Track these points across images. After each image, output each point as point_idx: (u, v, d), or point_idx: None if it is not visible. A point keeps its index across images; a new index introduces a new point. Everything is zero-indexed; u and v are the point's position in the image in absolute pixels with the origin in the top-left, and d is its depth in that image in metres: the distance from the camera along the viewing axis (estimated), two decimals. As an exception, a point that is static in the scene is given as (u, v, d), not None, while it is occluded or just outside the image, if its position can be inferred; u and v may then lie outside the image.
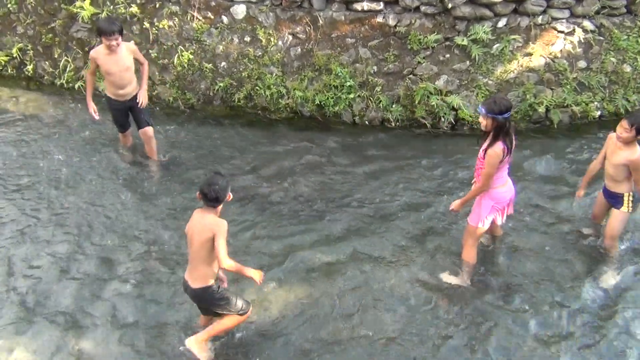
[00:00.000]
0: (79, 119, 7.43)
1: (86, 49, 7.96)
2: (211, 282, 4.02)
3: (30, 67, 8.34)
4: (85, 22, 7.86)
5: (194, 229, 3.93)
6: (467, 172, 6.23)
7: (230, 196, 3.96)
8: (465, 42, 7.19)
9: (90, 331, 4.50)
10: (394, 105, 7.30)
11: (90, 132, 7.15)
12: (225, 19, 7.60)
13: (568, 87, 7.31)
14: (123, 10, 7.69)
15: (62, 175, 6.34)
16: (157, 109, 7.62)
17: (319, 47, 7.45)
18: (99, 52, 5.91)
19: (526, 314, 4.64)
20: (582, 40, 7.44)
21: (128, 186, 6.19)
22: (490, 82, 7.28)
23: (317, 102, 7.31)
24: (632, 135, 4.54)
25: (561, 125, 7.23)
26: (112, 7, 7.76)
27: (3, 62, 8.44)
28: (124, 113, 6.28)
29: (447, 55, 7.31)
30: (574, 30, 7.43)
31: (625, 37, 7.51)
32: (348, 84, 7.28)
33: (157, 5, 7.67)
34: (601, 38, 7.50)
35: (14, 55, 8.38)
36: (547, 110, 7.25)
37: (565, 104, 7.26)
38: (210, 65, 7.60)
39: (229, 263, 3.80)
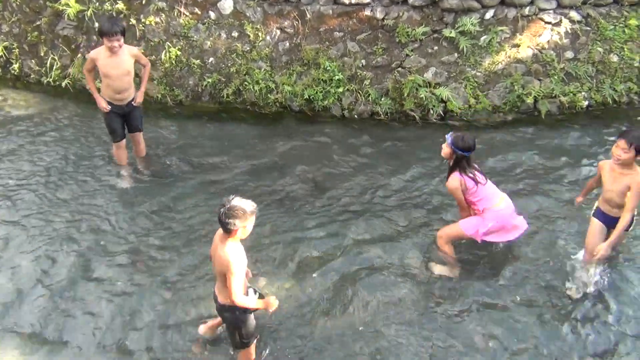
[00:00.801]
0: (67, 117, 7.38)
1: (72, 46, 7.90)
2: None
3: (16, 66, 8.26)
4: (71, 19, 7.79)
5: (214, 254, 3.71)
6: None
7: (246, 228, 3.55)
8: (453, 34, 7.21)
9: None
10: (383, 98, 7.31)
11: (79, 130, 7.11)
12: (212, 14, 7.56)
13: (556, 77, 7.34)
14: (109, 7, 7.63)
15: (51, 175, 6.28)
16: (144, 107, 7.56)
17: (307, 41, 7.44)
18: (99, 53, 5.69)
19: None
20: (569, 31, 7.47)
21: (118, 185, 6.17)
22: (478, 73, 7.30)
23: (306, 96, 7.30)
24: (631, 156, 4.19)
25: (549, 116, 7.26)
26: (97, 3, 7.69)
27: (-12, 61, 8.37)
28: (119, 119, 6.03)
29: (435, 48, 7.32)
30: (560, 21, 7.46)
31: (612, 27, 7.55)
32: (337, 77, 7.27)
33: (144, 2, 7.61)
34: (588, 28, 7.53)
35: (0, 54, 8.30)
36: (536, 100, 7.28)
37: (553, 95, 7.29)
38: (198, 61, 7.56)
39: (240, 301, 3.62)
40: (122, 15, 7.61)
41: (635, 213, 4.40)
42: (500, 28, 7.32)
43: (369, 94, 7.29)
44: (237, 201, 3.53)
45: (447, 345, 4.36)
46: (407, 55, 7.31)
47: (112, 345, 4.37)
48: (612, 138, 6.83)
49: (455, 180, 4.66)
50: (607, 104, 7.41)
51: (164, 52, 7.59)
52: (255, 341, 4.02)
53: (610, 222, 4.53)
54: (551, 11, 7.47)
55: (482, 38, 7.30)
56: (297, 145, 6.88)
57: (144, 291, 4.82)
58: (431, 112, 7.19)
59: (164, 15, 7.62)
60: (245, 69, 7.48)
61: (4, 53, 8.29)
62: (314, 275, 4.97)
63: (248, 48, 7.50)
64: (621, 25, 7.59)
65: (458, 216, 5.03)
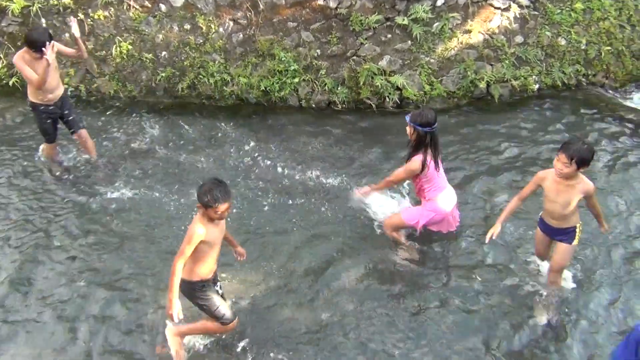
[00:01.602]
0: (16, 116, 7.15)
1: (18, 43, 7.63)
2: (196, 279, 3.88)
3: (-41, 65, 7.94)
4: (16, 15, 7.52)
5: None
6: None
7: (219, 208, 3.63)
8: (406, 22, 7.27)
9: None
10: (339, 88, 7.33)
11: (29, 128, 6.89)
12: (163, 7, 7.42)
13: (507, 62, 7.49)
14: (55, 2, 7.40)
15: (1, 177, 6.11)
16: (97, 103, 7.40)
17: (261, 32, 7.39)
18: (23, 58, 5.40)
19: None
20: (518, 16, 7.63)
21: (70, 183, 6.02)
22: (432, 60, 7.39)
23: (262, 87, 7.26)
24: (573, 170, 3.99)
25: (502, 100, 7.41)
26: (43, -1, 7.46)
27: None
28: (54, 120, 5.84)
29: (389, 36, 7.37)
30: (509, 6, 7.61)
31: (559, 11, 7.75)
32: (292, 68, 7.25)
33: (91, -5, 7.42)
34: (536, 13, 7.70)
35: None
36: (488, 85, 7.42)
37: (505, 79, 7.45)
38: (150, 55, 7.42)
39: (174, 264, 3.69)
40: (69, 10, 7.40)
41: (580, 223, 4.32)
42: (451, 14, 7.42)
43: (325, 84, 7.30)
44: (207, 181, 3.70)
45: (404, 338, 4.41)
46: (361, 43, 7.34)
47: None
48: (564, 120, 7.07)
49: (416, 162, 4.64)
50: (556, 87, 7.62)
51: (114, 46, 7.41)
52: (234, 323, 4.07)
53: (555, 234, 4.40)
54: (500, -4, 7.62)
55: (435, 25, 7.39)
56: (257, 137, 6.83)
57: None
58: (387, 100, 7.25)
59: (113, 9, 7.44)
60: (199, 61, 7.38)
61: (-55, 52, 7.95)
62: (275, 268, 4.99)
63: (201, 40, 7.40)
64: (567, 9, 7.79)
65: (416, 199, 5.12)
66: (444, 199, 4.82)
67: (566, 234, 4.32)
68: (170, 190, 5.90)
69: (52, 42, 5.35)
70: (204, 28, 7.39)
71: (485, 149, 6.51)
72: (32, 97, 5.67)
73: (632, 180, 6.00)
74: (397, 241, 5.12)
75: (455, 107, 7.33)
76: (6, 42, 7.71)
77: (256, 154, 6.49)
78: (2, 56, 7.75)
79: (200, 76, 7.35)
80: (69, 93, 6.88)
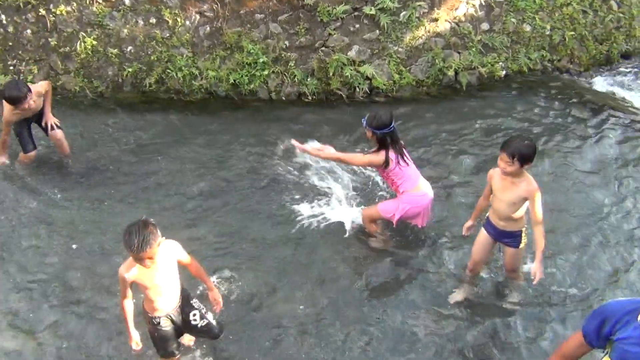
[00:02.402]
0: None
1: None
2: (151, 314, 3.69)
3: None
4: (-26, 12, 7.31)
5: None
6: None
7: (134, 256, 3.24)
8: (373, 12, 7.28)
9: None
10: (309, 79, 7.32)
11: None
12: (127, 0, 7.29)
13: (474, 49, 7.58)
14: (15, -2, 7.21)
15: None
16: (64, 101, 7.24)
17: (228, 24, 7.32)
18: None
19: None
20: (484, 3, 7.71)
21: (43, 184, 5.90)
22: (400, 49, 7.43)
23: (231, 81, 7.20)
24: (516, 168, 3.92)
25: (470, 87, 7.50)
26: (2, -6, 7.25)
27: None
28: (29, 127, 5.81)
29: (357, 26, 7.38)
30: (475, -7, 7.69)
31: (523, -3, 7.86)
32: (261, 60, 7.21)
33: (52, -10, 7.24)
34: (501, 0, 7.79)
35: None
36: (456, 73, 7.50)
37: (472, 66, 7.54)
38: (116, 50, 7.28)
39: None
40: (29, 6, 7.21)
41: (525, 227, 4.25)
42: (418, 3, 7.46)
43: (295, 75, 7.28)
44: (132, 227, 3.23)
45: (371, 332, 4.43)
46: (329, 34, 7.33)
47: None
48: (531, 106, 7.19)
49: (380, 156, 4.63)
50: (523, 72, 7.74)
51: (78, 42, 7.26)
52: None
53: (501, 236, 4.32)
54: (466, -16, 7.69)
55: (402, 14, 7.42)
56: (227, 130, 6.79)
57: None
58: (357, 90, 7.27)
59: (75, 4, 7.26)
60: (167, 56, 7.28)
61: None
62: (252, 262, 4.99)
63: (168, 34, 7.30)
64: (532, -5, 7.91)
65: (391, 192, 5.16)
66: (419, 192, 4.80)
67: (512, 237, 4.27)
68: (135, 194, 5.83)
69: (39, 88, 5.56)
70: (170, 22, 7.28)
71: (455, 136, 6.58)
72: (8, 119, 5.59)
73: (601, 161, 6.17)
74: (372, 233, 5.13)
75: (424, 95, 7.38)
76: (-35, 40, 7.48)
77: (227, 147, 6.45)
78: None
79: (168, 70, 7.25)
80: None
